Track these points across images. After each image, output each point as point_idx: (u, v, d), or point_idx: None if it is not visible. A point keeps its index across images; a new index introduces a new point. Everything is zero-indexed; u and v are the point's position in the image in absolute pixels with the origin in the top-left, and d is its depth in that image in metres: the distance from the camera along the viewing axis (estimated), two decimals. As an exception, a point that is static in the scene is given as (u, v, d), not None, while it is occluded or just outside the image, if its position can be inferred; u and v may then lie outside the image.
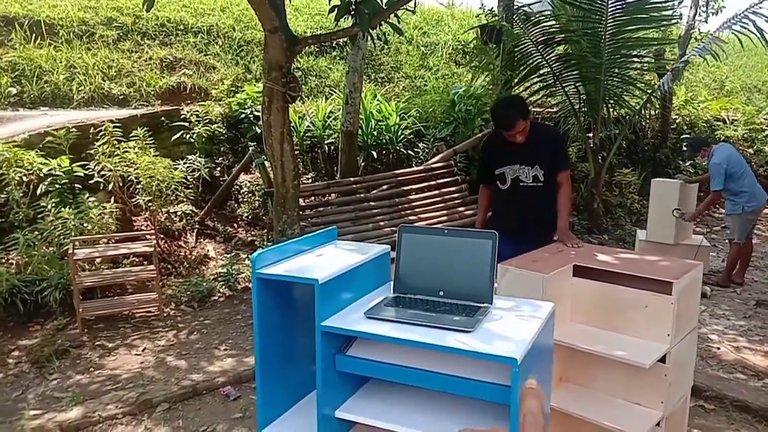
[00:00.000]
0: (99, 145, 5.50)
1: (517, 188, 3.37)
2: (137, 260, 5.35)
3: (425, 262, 1.93)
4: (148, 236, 5.01)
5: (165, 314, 4.69)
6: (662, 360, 2.55)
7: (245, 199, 6.60)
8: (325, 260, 1.93)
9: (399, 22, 4.48)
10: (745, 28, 6.31)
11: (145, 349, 4.11)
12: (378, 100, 7.87)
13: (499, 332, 1.63)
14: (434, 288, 1.89)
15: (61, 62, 7.51)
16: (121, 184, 5.50)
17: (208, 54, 8.69)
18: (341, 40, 8.89)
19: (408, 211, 6.63)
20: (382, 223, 6.31)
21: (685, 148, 8.24)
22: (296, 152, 7.34)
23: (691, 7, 8.95)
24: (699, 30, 9.05)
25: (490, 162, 3.46)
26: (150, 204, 5.47)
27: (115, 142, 5.52)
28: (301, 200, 6.34)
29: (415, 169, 7.25)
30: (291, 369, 1.97)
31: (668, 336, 2.55)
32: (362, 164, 7.25)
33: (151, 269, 4.68)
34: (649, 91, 7.48)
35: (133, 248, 4.68)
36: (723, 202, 6.22)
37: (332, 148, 7.32)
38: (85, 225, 4.83)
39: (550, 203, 3.35)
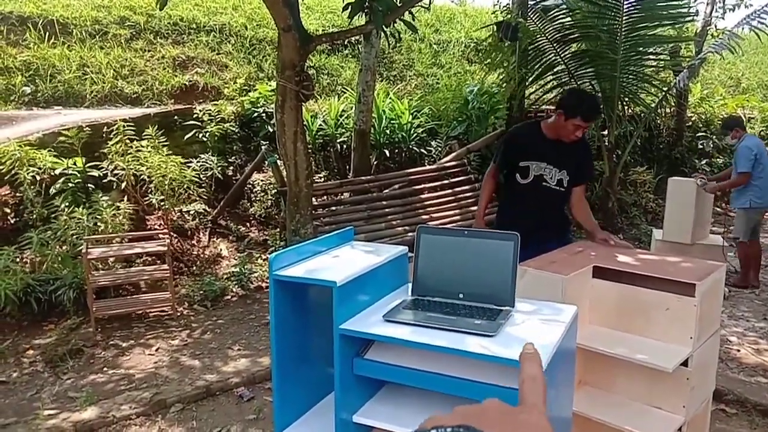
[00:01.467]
0: (112, 144, 5.51)
1: (538, 186, 3.23)
2: (150, 259, 5.35)
3: (444, 263, 1.89)
4: (161, 235, 5.00)
5: (178, 314, 4.69)
6: (684, 363, 2.49)
7: (258, 198, 6.59)
8: (343, 262, 1.90)
9: (413, 19, 4.43)
10: (763, 23, 6.21)
11: (159, 348, 4.10)
12: (390, 98, 7.83)
13: (522, 337, 1.59)
14: (454, 290, 1.85)
15: (74, 61, 7.54)
16: (133, 183, 5.50)
17: (221, 53, 8.69)
18: (353, 38, 8.85)
19: (420, 211, 6.59)
20: (394, 223, 6.28)
21: (721, 126, 8.07)
22: (309, 151, 7.35)
23: (707, 4, 8.83)
24: (716, 27, 8.91)
25: (517, 152, 3.25)
26: (163, 203, 5.46)
27: (128, 141, 5.52)
28: (313, 199, 6.32)
29: (428, 167, 7.21)
30: (307, 371, 1.94)
31: (691, 339, 2.49)
32: (375, 163, 7.22)
33: (165, 269, 4.67)
34: (664, 89, 7.39)
35: (147, 247, 4.68)
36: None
37: (345, 146, 7.29)
38: (99, 224, 4.83)
39: (564, 209, 3.30)
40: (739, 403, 3.27)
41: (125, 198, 5.62)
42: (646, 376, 2.62)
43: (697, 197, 5.96)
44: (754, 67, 13.57)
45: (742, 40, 6.22)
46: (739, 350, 4.14)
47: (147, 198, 5.55)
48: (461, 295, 1.84)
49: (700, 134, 9.60)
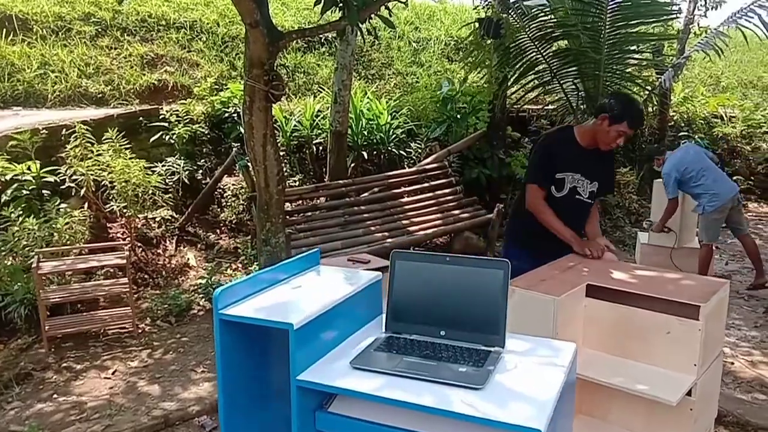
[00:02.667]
0: (71, 148, 5.16)
1: (572, 200, 2.99)
2: (112, 271, 5.01)
3: (424, 295, 1.63)
4: (123, 246, 4.67)
5: (140, 331, 4.36)
6: (688, 393, 2.27)
7: (229, 204, 6.27)
8: (304, 294, 1.63)
9: (390, 15, 4.16)
10: (750, 21, 6.07)
11: (115, 371, 3.78)
12: (368, 98, 7.55)
13: (516, 389, 1.34)
14: (435, 327, 1.59)
15: (35, 59, 7.14)
16: (94, 190, 5.15)
17: (192, 50, 8.34)
18: (330, 35, 8.56)
19: (400, 215, 6.33)
20: (373, 228, 6.01)
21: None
22: (282, 153, 7.03)
23: (690, 2, 8.69)
24: (698, 25, 8.78)
25: (554, 163, 2.97)
26: (125, 210, 5.13)
27: (88, 144, 5.17)
28: (287, 204, 6.02)
29: (408, 170, 6.95)
30: (266, 421, 1.66)
31: (695, 366, 2.26)
32: (352, 166, 6.94)
33: (124, 282, 4.35)
34: (648, 88, 7.22)
35: (104, 260, 4.35)
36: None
37: (321, 148, 7.00)
38: (54, 234, 4.49)
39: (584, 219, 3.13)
40: (740, 426, 3.07)
41: (86, 205, 5.28)
42: (646, 406, 2.38)
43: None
44: (734, 65, 13.54)
45: (729, 39, 6.06)
46: (733, 363, 3.95)
47: (108, 205, 5.21)
48: (443, 333, 1.58)
49: (682, 133, 9.47)
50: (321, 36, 9.22)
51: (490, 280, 1.55)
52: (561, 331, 2.24)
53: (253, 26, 3.89)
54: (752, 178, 9.59)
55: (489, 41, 6.43)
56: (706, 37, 6.51)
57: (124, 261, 4.26)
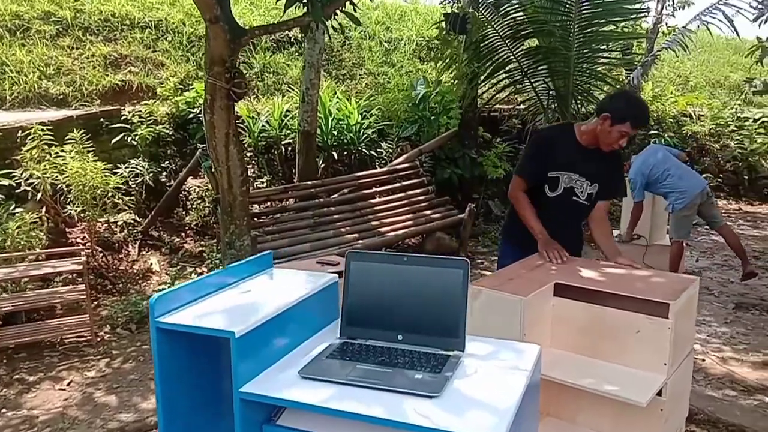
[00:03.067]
0: (26, 150, 4.96)
1: (567, 201, 2.84)
2: (71, 278, 4.82)
3: (380, 297, 1.53)
4: (82, 251, 4.48)
5: (98, 339, 4.19)
6: (658, 393, 2.21)
7: (194, 206, 6.10)
8: (253, 299, 1.52)
9: (355, 11, 4.07)
10: (714, 18, 6.13)
11: (71, 382, 3.61)
12: (338, 97, 7.44)
13: (475, 396, 1.25)
14: (392, 331, 1.50)
15: (-9, 59, 6.90)
16: (51, 193, 4.96)
17: (157, 50, 8.13)
18: (299, 34, 8.43)
19: (371, 216, 6.24)
20: (343, 230, 5.91)
21: None
22: (250, 154, 6.88)
23: (658, 1, 8.77)
24: (666, 24, 8.87)
25: (548, 160, 2.82)
26: (84, 214, 4.94)
27: (45, 146, 4.97)
28: (255, 206, 5.89)
29: (379, 170, 6.86)
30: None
31: (665, 366, 2.21)
32: (322, 166, 6.82)
33: (81, 289, 4.17)
34: (618, 86, 7.25)
35: (60, 266, 4.16)
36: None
37: (289, 149, 6.87)
38: (6, 241, 4.29)
39: (582, 225, 2.99)
40: (710, 424, 3.03)
41: (43, 209, 5.08)
42: (615, 407, 2.32)
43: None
44: (701, 65, 13.74)
45: (695, 35, 6.10)
46: (704, 360, 3.93)
47: (66, 209, 5.02)
48: (400, 337, 1.49)
49: (652, 132, 9.55)
50: (290, 35, 9.10)
51: (449, 280, 1.47)
52: (528, 332, 2.17)
53: (213, 22, 3.78)
54: (721, 175, 9.72)
55: (455, 37, 6.37)
56: (674, 35, 6.56)
57: (81, 267, 4.08)
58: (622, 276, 2.49)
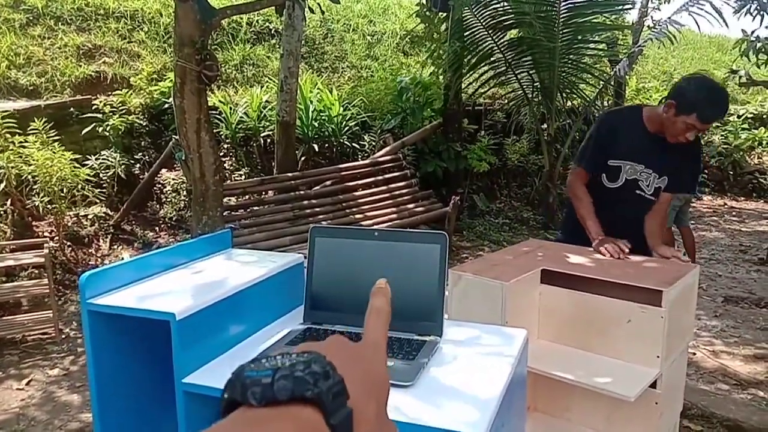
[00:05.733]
0: (-11, 139, 4.73)
1: (630, 194, 2.53)
2: (37, 272, 4.60)
3: (348, 278, 1.36)
4: (42, 244, 4.26)
5: (63, 336, 3.97)
6: (653, 385, 2.07)
7: (168, 199, 5.88)
8: (204, 280, 1.34)
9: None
10: (702, 9, 6.05)
11: (31, 381, 3.40)
12: (318, 88, 7.26)
13: (454, 385, 1.08)
14: (360, 315, 1.32)
15: (-42, 48, 6.64)
16: (15, 185, 4.73)
17: (132, 41, 7.90)
18: (280, 25, 8.23)
19: (354, 209, 6.07)
20: (324, 223, 5.72)
21: None
22: (227, 146, 6.68)
23: (643, -6, 8.69)
24: (652, 18, 8.79)
25: (609, 146, 2.51)
26: (52, 206, 4.72)
27: (8, 135, 4.74)
28: (233, 199, 5.70)
29: (361, 163, 6.69)
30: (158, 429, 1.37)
31: (658, 358, 2.06)
32: (302, 158, 6.64)
33: (44, 284, 3.95)
34: (603, 79, 7.16)
35: (22, 259, 3.95)
36: None
37: (269, 141, 6.68)
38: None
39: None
40: (704, 419, 2.90)
41: (8, 202, 4.85)
42: (608, 402, 2.18)
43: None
44: (685, 62, 13.73)
45: (681, 26, 6.01)
46: (695, 353, 3.82)
47: (31, 201, 4.79)
48: (370, 322, 1.31)
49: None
50: (270, 27, 8.90)
51: (425, 257, 1.30)
52: (512, 321, 2.01)
53: (183, 0, 3.59)
54: (705, 171, 9.67)
55: (436, 14, 6.20)
56: (659, 26, 6.47)
57: (44, 259, 3.87)
58: (613, 262, 2.34)
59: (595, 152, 2.55)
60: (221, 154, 6.37)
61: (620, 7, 7.27)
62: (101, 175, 5.44)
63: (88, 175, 4.99)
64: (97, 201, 5.13)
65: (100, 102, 5.86)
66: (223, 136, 6.54)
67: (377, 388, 0.43)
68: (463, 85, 7.30)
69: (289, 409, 0.34)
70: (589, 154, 2.57)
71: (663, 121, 2.41)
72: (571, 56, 6.80)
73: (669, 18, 6.24)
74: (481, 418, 0.98)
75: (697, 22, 6.20)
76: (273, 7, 4.11)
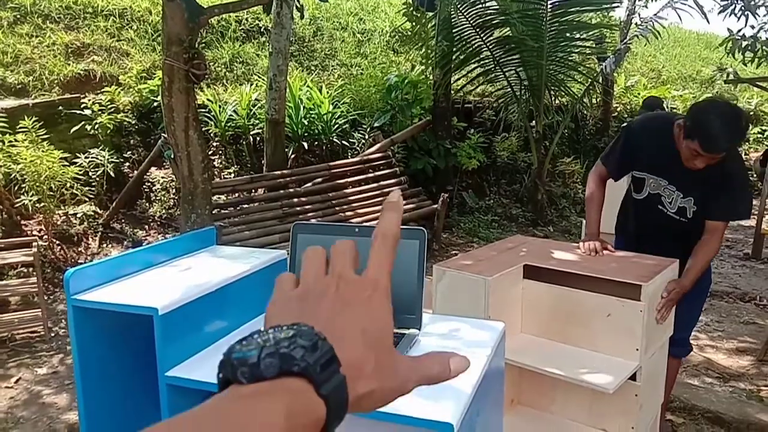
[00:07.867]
0: (-24, 139, 4.72)
1: (651, 208, 2.47)
2: (26, 271, 4.60)
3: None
4: (31, 242, 4.26)
5: (52, 335, 3.98)
6: (632, 377, 2.11)
7: (158, 198, 5.89)
8: (188, 276, 1.37)
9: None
10: (685, 4, 6.13)
11: (19, 380, 3.41)
12: (308, 86, 7.27)
13: (429, 377, 1.11)
14: (341, 310, 1.35)
15: (-56, 47, 6.60)
16: (4, 183, 4.73)
17: (121, 39, 7.87)
18: (269, 24, 8.24)
19: (344, 207, 6.09)
20: (314, 221, 5.75)
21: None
22: (217, 144, 6.68)
23: (630, -8, 8.76)
24: (639, 15, 8.86)
25: (635, 155, 2.42)
26: (40, 205, 4.72)
27: (-2, 134, 4.75)
28: (222, 197, 5.71)
29: (351, 160, 6.71)
30: (142, 424, 1.40)
31: (637, 351, 2.10)
32: (292, 156, 6.65)
33: (33, 282, 3.96)
34: (591, 77, 7.21)
35: (10, 257, 3.95)
36: None
37: (258, 139, 6.69)
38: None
39: (688, 244, 2.39)
40: (686, 411, 2.96)
41: (-4, 200, 4.85)
42: (588, 394, 2.23)
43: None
44: (673, 59, 13.83)
45: (666, 22, 6.08)
46: (678, 348, 3.86)
47: (20, 199, 4.79)
48: (351, 316, 1.34)
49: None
50: (260, 25, 8.90)
51: (404, 252, 1.33)
52: (495, 316, 2.05)
53: (170, -1, 3.60)
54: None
55: (423, 13, 6.22)
56: (645, 22, 6.53)
57: (32, 258, 3.87)
58: (595, 258, 2.39)
59: (620, 159, 2.49)
60: (211, 152, 6.38)
61: (606, 6, 7.32)
62: (90, 173, 5.44)
63: (77, 173, 4.99)
64: (86, 199, 5.13)
65: (89, 100, 5.85)
66: (212, 134, 6.54)
67: (376, 337, 0.41)
68: (452, 83, 7.34)
69: (279, 382, 0.34)
70: (614, 159, 2.52)
71: (678, 142, 2.28)
72: (558, 54, 6.85)
73: (654, 15, 6.31)
74: (455, 410, 1.01)
75: (680, 17, 6.29)
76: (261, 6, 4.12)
